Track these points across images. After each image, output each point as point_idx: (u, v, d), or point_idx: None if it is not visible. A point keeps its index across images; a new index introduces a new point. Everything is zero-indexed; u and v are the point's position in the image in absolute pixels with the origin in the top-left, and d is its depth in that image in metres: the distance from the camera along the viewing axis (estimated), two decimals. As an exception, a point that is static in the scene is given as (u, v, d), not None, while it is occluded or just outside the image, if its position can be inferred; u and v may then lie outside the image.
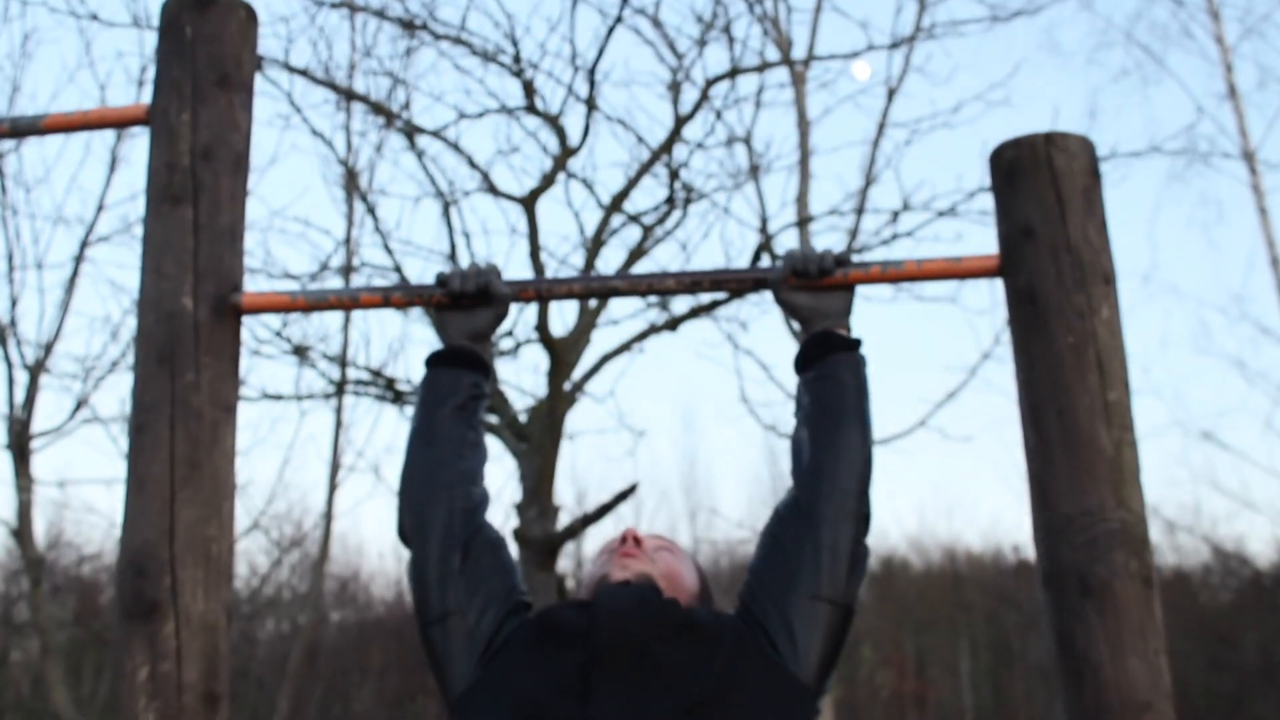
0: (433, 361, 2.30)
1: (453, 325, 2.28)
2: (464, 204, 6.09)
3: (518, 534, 5.35)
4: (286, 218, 8.19)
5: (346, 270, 8.64)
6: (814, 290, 2.23)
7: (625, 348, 5.98)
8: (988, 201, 7.52)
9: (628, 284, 2.20)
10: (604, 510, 5.49)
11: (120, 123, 2.46)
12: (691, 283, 2.20)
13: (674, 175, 5.83)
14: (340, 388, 8.10)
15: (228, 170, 2.29)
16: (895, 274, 2.22)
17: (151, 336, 2.19)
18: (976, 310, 9.79)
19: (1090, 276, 2.12)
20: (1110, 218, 2.20)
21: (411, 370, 7.02)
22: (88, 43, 8.75)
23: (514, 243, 6.39)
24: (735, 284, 2.22)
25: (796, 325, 2.33)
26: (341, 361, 7.93)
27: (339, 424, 9.67)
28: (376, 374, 6.58)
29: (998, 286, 8.88)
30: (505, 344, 6.55)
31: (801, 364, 2.23)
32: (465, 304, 2.26)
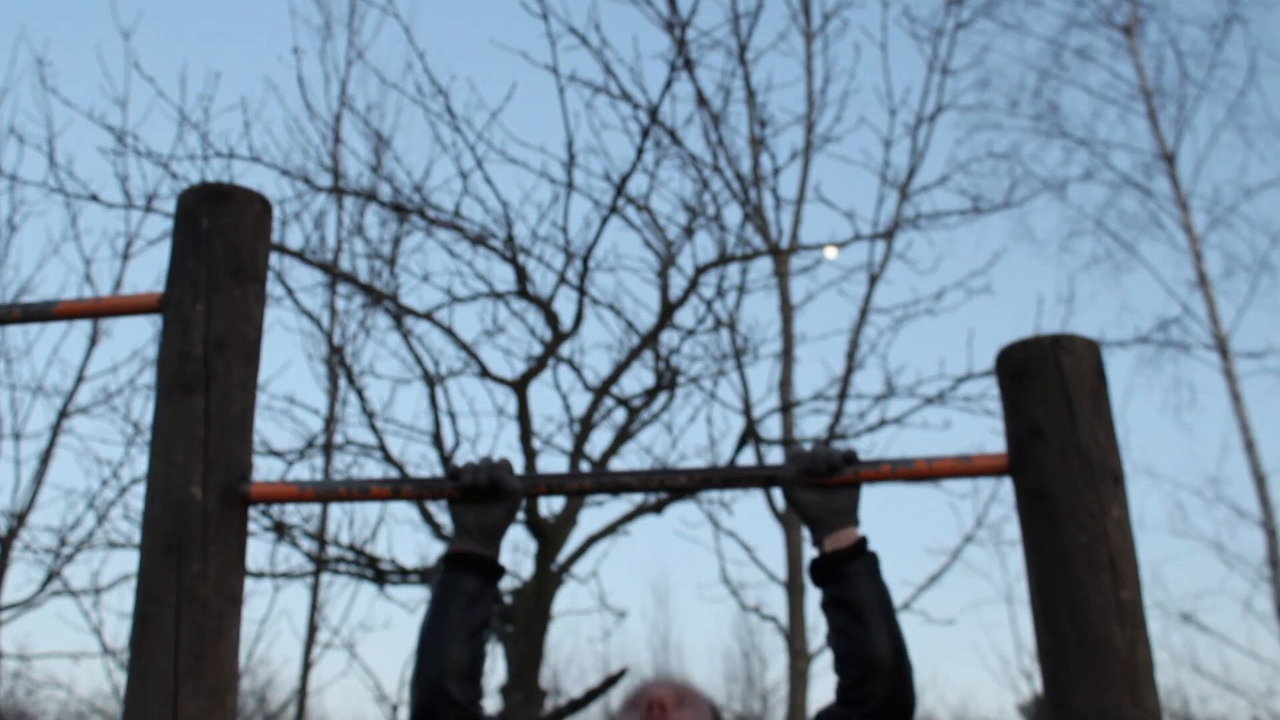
0: (449, 563, 2.31)
1: (466, 520, 2.28)
2: (450, 384, 6.12)
3: (502, 719, 5.24)
4: (271, 395, 8.18)
5: (328, 447, 8.61)
6: (823, 488, 2.25)
7: (612, 530, 5.96)
8: (972, 388, 7.60)
9: (639, 480, 2.20)
10: (592, 696, 5.38)
11: (132, 311, 2.48)
12: (703, 479, 2.20)
13: (664, 360, 5.87)
14: (319, 565, 8.01)
15: (239, 360, 2.30)
16: (905, 472, 2.23)
17: (158, 525, 2.18)
18: (959, 494, 9.79)
19: (1100, 476, 2.14)
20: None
21: (393, 549, 6.94)
22: (73, 216, 8.85)
23: (502, 424, 6.45)
24: (747, 480, 2.23)
25: (805, 526, 2.35)
26: (320, 539, 7.85)
27: (315, 601, 9.52)
28: (359, 552, 6.50)
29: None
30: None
31: (816, 578, 2.29)
32: (477, 498, 2.26)
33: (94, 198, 5.94)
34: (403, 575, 6.20)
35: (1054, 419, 2.17)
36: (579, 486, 2.22)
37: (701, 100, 6.47)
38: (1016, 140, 12.47)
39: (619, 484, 2.22)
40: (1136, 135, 15.88)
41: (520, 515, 5.53)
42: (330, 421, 9.23)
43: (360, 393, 6.25)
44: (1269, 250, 12.16)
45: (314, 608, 9.53)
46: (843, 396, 7.22)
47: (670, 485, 2.21)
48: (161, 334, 2.35)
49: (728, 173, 6.60)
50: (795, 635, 7.11)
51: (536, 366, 5.53)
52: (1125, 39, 13.07)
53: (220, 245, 2.34)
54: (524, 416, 5.50)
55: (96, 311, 2.48)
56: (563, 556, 5.72)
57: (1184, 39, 16.32)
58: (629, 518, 6.01)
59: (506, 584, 5.89)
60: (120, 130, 6.43)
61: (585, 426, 5.69)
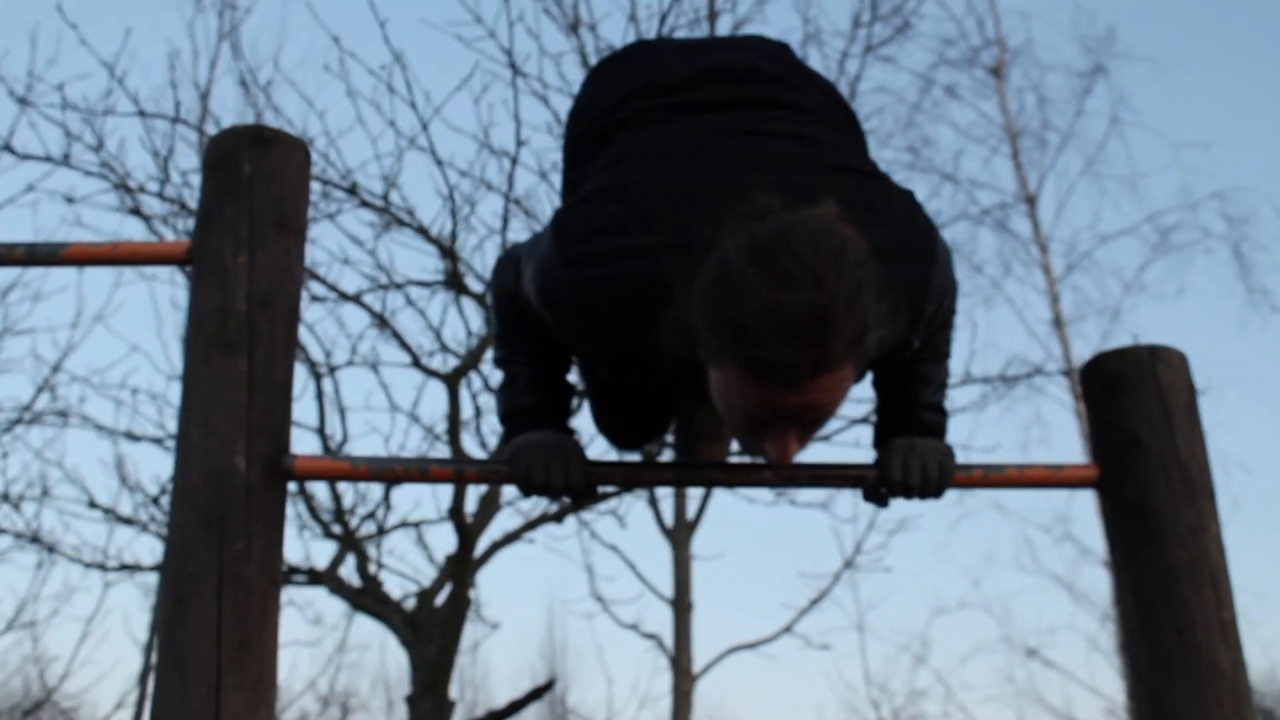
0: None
1: None
2: (340, 377, 5.79)
3: (409, 733, 5.01)
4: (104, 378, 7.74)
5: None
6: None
7: (516, 536, 5.76)
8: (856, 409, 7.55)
9: (724, 474, 2.07)
10: (515, 707, 5.17)
11: (155, 260, 2.26)
12: (789, 477, 2.07)
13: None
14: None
15: (282, 320, 2.10)
16: (997, 479, 2.14)
17: (196, 496, 1.96)
18: (843, 518, 9.77)
19: (1199, 492, 2.08)
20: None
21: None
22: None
23: (403, 421, 6.16)
24: (836, 480, 2.10)
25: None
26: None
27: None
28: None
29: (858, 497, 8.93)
30: (368, 528, 6.23)
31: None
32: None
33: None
34: (287, 575, 5.88)
35: (1153, 431, 2.10)
36: (659, 478, 2.08)
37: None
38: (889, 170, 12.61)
39: (702, 478, 2.08)
40: (999, 176, 16.29)
41: (445, 508, 5.32)
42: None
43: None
44: (1121, 297, 12.60)
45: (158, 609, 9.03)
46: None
47: (755, 480, 2.08)
48: (194, 286, 2.13)
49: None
50: (680, 655, 7.02)
51: (470, 361, 5.32)
52: (994, 80, 13.42)
53: (263, 194, 2.15)
54: (454, 412, 5.28)
55: (113, 258, 2.23)
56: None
57: (1049, 86, 16.82)
58: (532, 525, 5.83)
59: (409, 587, 5.66)
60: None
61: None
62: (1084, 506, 12.78)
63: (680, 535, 7.25)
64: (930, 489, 2.09)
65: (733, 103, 2.12)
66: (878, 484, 2.09)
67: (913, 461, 2.09)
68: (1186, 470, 2.09)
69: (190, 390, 2.04)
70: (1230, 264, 13.82)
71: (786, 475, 2.08)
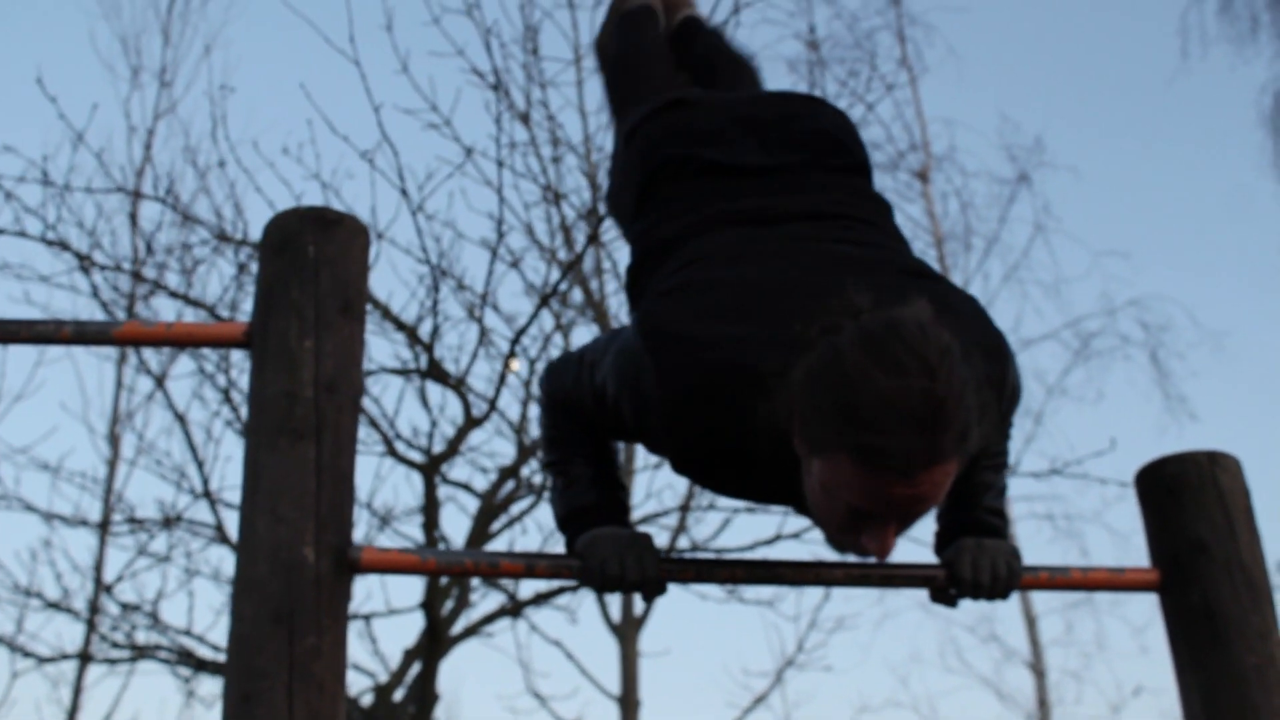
0: None
1: None
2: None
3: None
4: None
5: (105, 523, 7.97)
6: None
7: (473, 631, 5.65)
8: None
9: (794, 572, 2.05)
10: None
11: (212, 342, 2.21)
12: (860, 576, 2.06)
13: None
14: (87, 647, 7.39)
15: (348, 407, 2.06)
16: (1062, 581, 2.15)
17: (265, 589, 1.90)
18: (788, 616, 9.69)
19: (1262, 597, 2.11)
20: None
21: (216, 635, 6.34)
22: None
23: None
24: (904, 581, 2.09)
25: None
26: (92, 610, 7.22)
27: (79, 687, 8.68)
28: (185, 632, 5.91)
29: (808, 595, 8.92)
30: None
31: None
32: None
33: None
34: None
35: (1216, 535, 2.13)
36: (729, 575, 2.05)
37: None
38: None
39: (773, 575, 2.05)
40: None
41: (418, 598, 5.22)
42: (109, 496, 8.61)
43: (200, 465, 5.79)
44: (1044, 400, 12.80)
45: (77, 696, 8.71)
46: (685, 509, 7.12)
47: (826, 579, 2.07)
48: (255, 370, 2.08)
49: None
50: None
51: (448, 450, 5.25)
52: (919, 184, 13.67)
53: (329, 277, 2.11)
54: (431, 502, 5.19)
55: (168, 339, 2.18)
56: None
57: (973, 192, 17.13)
58: (488, 620, 5.73)
59: (363, 683, 5.50)
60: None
61: (488, 510, 5.40)
62: (1008, 608, 12.82)
63: (628, 631, 7.17)
64: (999, 589, 2.09)
65: (804, 215, 2.17)
66: (947, 584, 2.09)
67: (982, 561, 2.09)
68: (1250, 575, 2.11)
69: (254, 478, 1.98)
70: (1148, 370, 14.03)
71: (858, 574, 2.07)
